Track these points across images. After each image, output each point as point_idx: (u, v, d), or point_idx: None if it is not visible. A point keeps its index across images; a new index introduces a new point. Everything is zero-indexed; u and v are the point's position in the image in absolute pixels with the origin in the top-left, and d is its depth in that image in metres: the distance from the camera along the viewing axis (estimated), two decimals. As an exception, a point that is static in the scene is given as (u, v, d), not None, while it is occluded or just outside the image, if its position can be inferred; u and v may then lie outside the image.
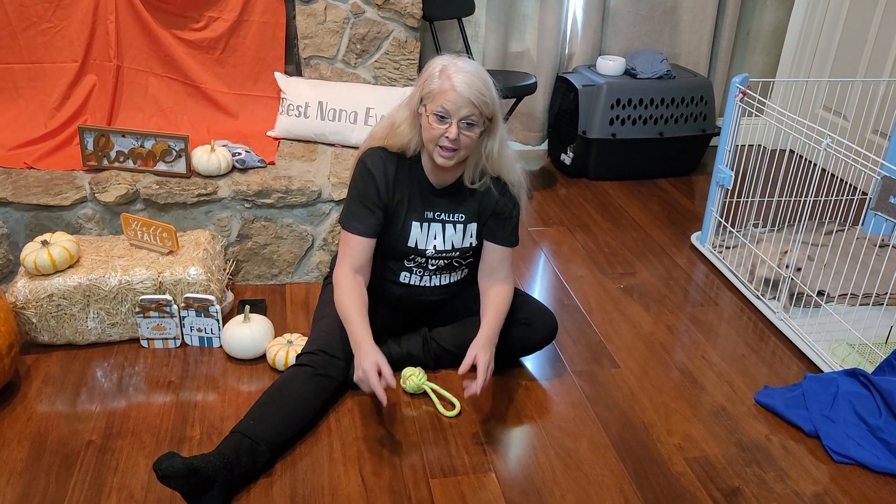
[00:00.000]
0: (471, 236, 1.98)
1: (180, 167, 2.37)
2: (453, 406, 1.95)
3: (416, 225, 1.93)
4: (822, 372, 2.13)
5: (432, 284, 2.04)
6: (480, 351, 1.82)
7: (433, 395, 1.97)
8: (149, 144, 2.35)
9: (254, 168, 2.48)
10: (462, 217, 1.95)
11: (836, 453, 1.83)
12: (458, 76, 1.70)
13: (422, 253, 1.96)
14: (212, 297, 2.08)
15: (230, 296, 2.32)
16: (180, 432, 1.82)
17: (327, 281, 2.15)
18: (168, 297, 2.06)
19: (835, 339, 2.24)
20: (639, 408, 2.00)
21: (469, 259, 2.05)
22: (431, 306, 2.09)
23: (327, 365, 1.88)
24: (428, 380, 2.00)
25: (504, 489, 1.70)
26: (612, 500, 1.69)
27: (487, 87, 1.74)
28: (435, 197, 1.92)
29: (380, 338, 2.05)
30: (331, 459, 1.77)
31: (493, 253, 1.97)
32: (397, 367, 2.06)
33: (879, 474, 1.80)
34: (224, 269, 2.32)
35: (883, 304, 2.36)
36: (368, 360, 1.73)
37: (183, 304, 2.08)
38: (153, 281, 2.08)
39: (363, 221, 1.88)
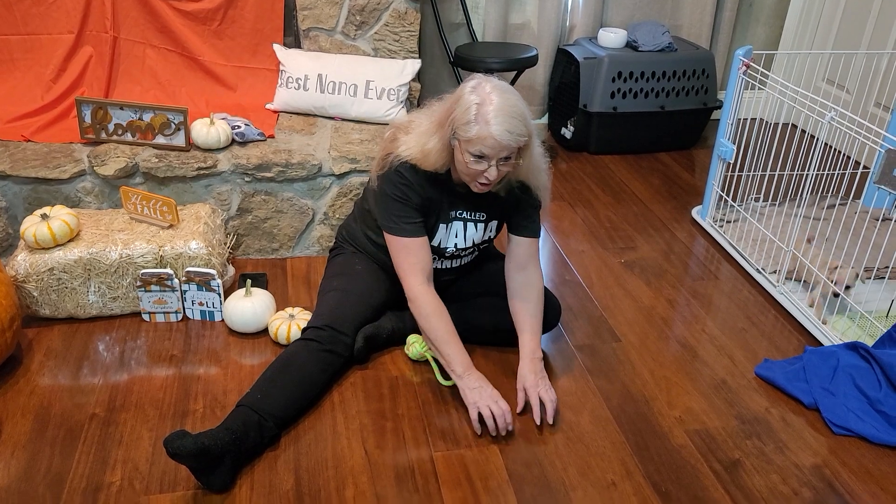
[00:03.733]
0: (491, 231, 1.99)
1: (179, 140, 2.35)
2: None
3: (441, 227, 1.93)
4: (822, 345, 2.14)
5: (444, 267, 2.04)
6: (527, 383, 1.83)
7: (434, 364, 1.98)
8: (147, 117, 2.33)
9: (253, 141, 2.46)
10: (483, 216, 1.94)
11: (835, 426, 1.85)
12: (496, 121, 1.63)
13: (442, 252, 1.97)
14: (213, 271, 2.07)
15: (231, 270, 2.32)
16: (183, 405, 1.83)
17: (334, 253, 2.15)
18: (169, 270, 2.05)
19: (835, 313, 2.25)
20: (639, 381, 2.01)
21: (485, 245, 2.05)
22: (439, 286, 2.09)
23: (334, 341, 1.88)
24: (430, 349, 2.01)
25: (507, 462, 1.72)
26: (614, 471, 1.71)
27: (524, 123, 1.68)
28: (458, 197, 1.90)
29: (382, 311, 2.06)
30: (334, 433, 1.77)
31: (520, 247, 1.95)
32: (399, 342, 2.07)
33: (878, 446, 1.82)
34: (225, 244, 2.32)
35: (884, 278, 2.36)
36: (499, 400, 1.77)
37: (184, 278, 2.08)
38: (154, 255, 2.07)
39: (414, 222, 1.85)
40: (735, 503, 1.64)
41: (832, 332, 2.18)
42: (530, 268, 1.96)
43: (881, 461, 1.78)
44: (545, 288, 2.08)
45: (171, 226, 2.16)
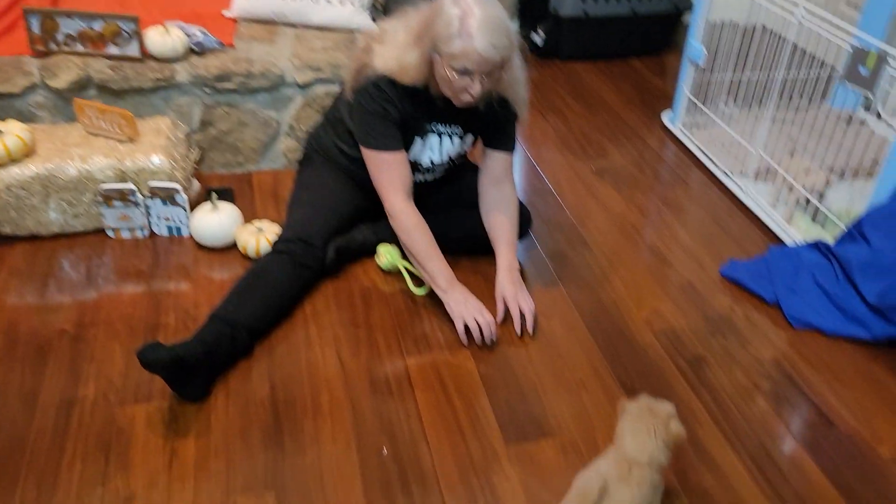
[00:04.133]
0: (467, 145, 1.96)
1: (133, 50, 2.25)
2: (423, 283, 1.97)
3: (418, 140, 1.88)
4: (785, 245, 2.18)
5: (417, 182, 2.01)
6: (507, 294, 1.84)
7: (405, 273, 1.98)
8: (98, 26, 2.22)
9: (212, 51, 2.37)
10: (460, 130, 1.91)
11: (795, 320, 1.91)
12: (480, 35, 1.57)
13: (417, 167, 1.93)
14: (177, 186, 2.03)
15: (196, 184, 2.27)
16: (154, 320, 1.82)
17: (303, 164, 2.11)
18: (131, 185, 2.00)
19: (796, 212, 2.28)
20: (609, 286, 2.04)
21: (459, 159, 2.02)
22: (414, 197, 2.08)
23: (305, 254, 1.87)
24: (401, 259, 2.01)
25: (479, 366, 1.75)
26: (583, 373, 1.75)
27: (508, 36, 1.62)
28: (435, 111, 1.85)
29: (353, 223, 2.05)
30: (308, 343, 1.79)
31: (496, 161, 1.93)
32: (370, 253, 2.06)
33: (835, 339, 1.88)
34: (188, 157, 2.26)
35: (844, 177, 2.39)
36: (484, 311, 1.78)
37: (148, 193, 2.04)
38: (114, 170, 2.02)
39: (394, 137, 1.80)
40: (699, 397, 1.70)
41: (796, 233, 2.21)
42: (505, 182, 1.95)
43: (837, 353, 1.84)
44: (518, 200, 2.08)
45: (129, 140, 2.09)
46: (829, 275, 1.95)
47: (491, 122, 1.90)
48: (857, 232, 1.95)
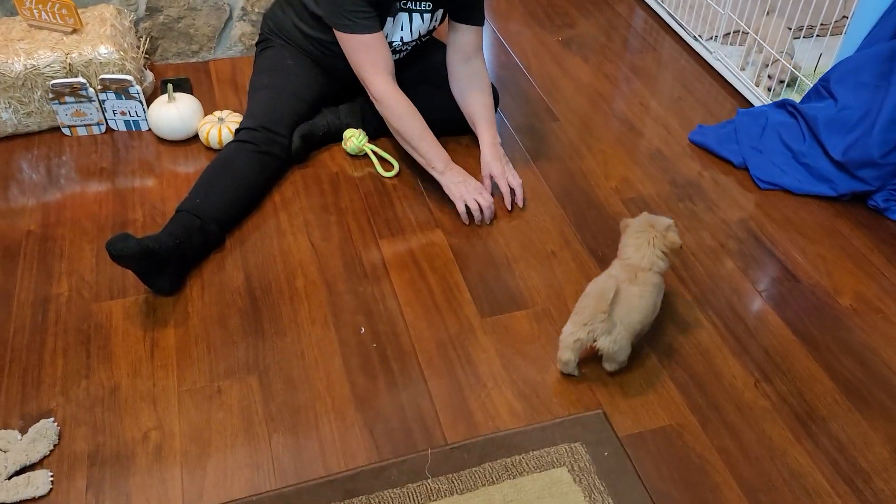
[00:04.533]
0: (436, 20, 1.89)
1: (66, -67, 2.10)
2: (392, 166, 1.95)
3: (388, 20, 1.80)
4: (753, 107, 2.18)
5: None
6: (494, 171, 1.83)
7: (373, 157, 1.97)
8: None
9: (151, -70, 2.22)
10: (429, 6, 1.83)
11: (762, 181, 1.93)
12: None
13: (388, 45, 1.85)
14: (129, 77, 1.95)
15: (150, 76, 2.19)
16: (122, 216, 1.80)
17: (261, 46, 2.03)
18: (81, 79, 1.93)
19: (764, 76, 2.26)
20: (578, 157, 2.04)
21: (427, 37, 1.95)
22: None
23: (270, 142, 1.83)
24: (368, 143, 1.98)
25: (451, 242, 1.77)
26: (553, 242, 1.78)
27: None
28: None
29: (317, 108, 2.00)
30: (279, 230, 1.79)
31: (465, 36, 1.87)
32: (336, 139, 2.03)
33: (800, 197, 1.92)
34: (138, 47, 2.17)
35: (813, 35, 2.36)
36: (483, 191, 1.78)
37: (100, 87, 1.96)
38: (61, 63, 1.93)
39: (372, 18, 1.73)
40: (666, 259, 1.73)
41: (763, 94, 2.20)
42: (476, 57, 1.91)
43: (801, 210, 1.88)
44: (483, 80, 2.03)
45: (74, 30, 1.99)
46: (796, 133, 1.95)
47: None
48: (823, 88, 1.94)
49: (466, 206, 1.78)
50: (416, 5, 1.83)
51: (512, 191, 1.84)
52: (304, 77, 1.95)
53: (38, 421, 1.36)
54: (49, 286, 1.62)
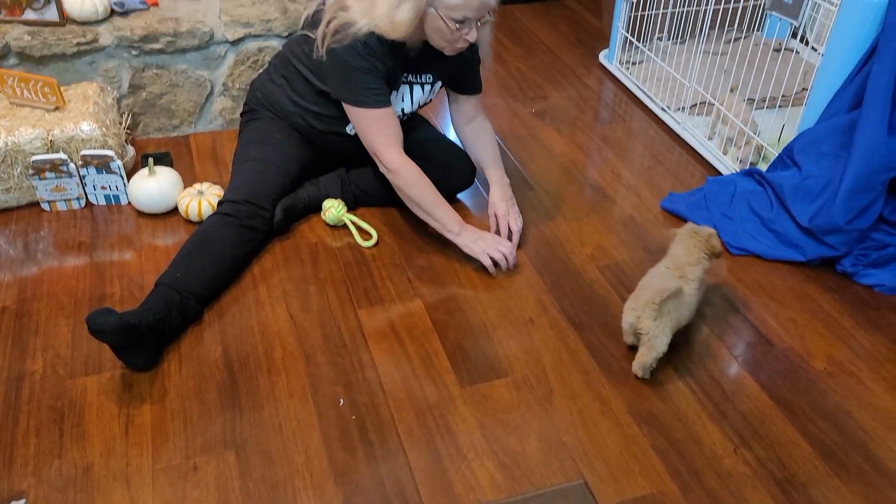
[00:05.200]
0: (433, 92, 1.98)
1: (52, 14, 2.16)
2: (370, 236, 1.98)
3: (392, 93, 1.87)
4: (721, 175, 2.24)
5: None
6: (499, 211, 1.94)
7: (352, 227, 1.99)
8: (11, -9, 2.12)
9: (135, 11, 2.29)
10: (430, 78, 1.91)
11: (733, 247, 1.97)
12: None
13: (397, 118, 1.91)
14: (111, 153, 1.98)
15: (131, 150, 2.22)
16: (99, 290, 1.80)
17: (248, 117, 2.05)
18: (62, 155, 1.95)
19: (731, 142, 2.33)
20: (553, 225, 2.08)
21: (420, 108, 2.04)
22: (362, 151, 2.06)
23: (252, 216, 1.85)
24: (347, 213, 2.01)
25: (429, 311, 1.78)
26: (531, 309, 1.79)
27: None
28: (409, 62, 1.84)
29: (301, 181, 2.03)
30: (258, 302, 1.79)
31: (468, 103, 2.02)
32: (316, 210, 2.06)
33: (770, 262, 1.96)
34: (120, 123, 2.20)
35: (776, 106, 2.45)
36: (500, 241, 1.86)
37: (80, 162, 1.98)
38: (42, 140, 1.96)
39: (384, 93, 1.80)
40: (643, 326, 1.76)
41: (731, 162, 2.27)
42: (478, 116, 2.05)
43: (772, 274, 1.92)
44: (459, 148, 2.09)
45: (56, 108, 2.03)
46: (764, 201, 2.01)
47: (460, 68, 1.95)
48: (787, 158, 2.01)
49: (492, 259, 1.84)
50: (417, 78, 1.90)
51: (509, 231, 1.95)
52: (291, 151, 1.98)
53: (9, 503, 1.32)
54: (23, 363, 1.60)
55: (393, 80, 1.85)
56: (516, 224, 1.95)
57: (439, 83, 1.96)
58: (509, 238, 1.93)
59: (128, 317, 1.53)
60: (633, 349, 1.63)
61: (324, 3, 1.80)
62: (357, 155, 2.07)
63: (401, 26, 1.69)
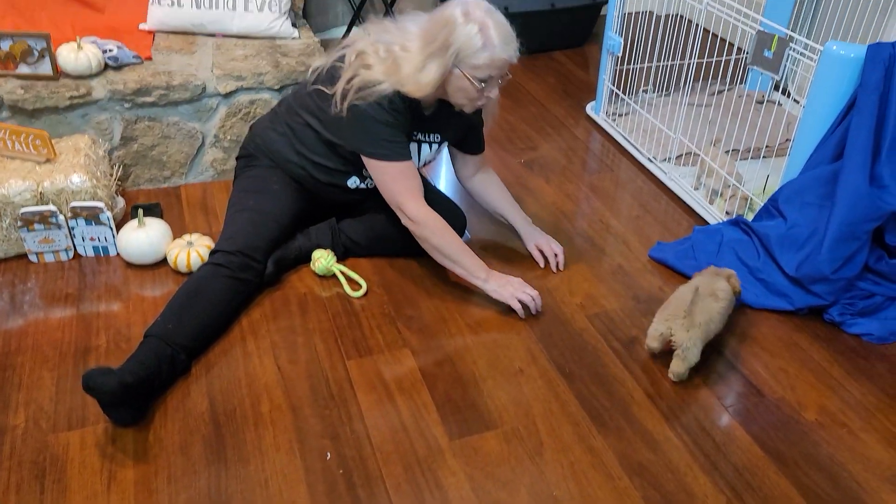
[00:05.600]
0: (438, 151, 2.04)
1: (45, 68, 2.19)
2: (360, 286, 1.98)
3: None
4: (708, 224, 2.26)
5: (371, 187, 2.03)
6: (540, 241, 2.08)
7: (341, 277, 1.99)
8: (6, 45, 2.15)
9: (129, 65, 2.32)
10: (438, 137, 1.96)
11: (721, 296, 1.98)
12: (503, 43, 1.69)
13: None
14: (100, 204, 1.98)
15: (121, 202, 2.22)
16: (85, 342, 1.78)
17: (245, 162, 2.04)
18: (52, 207, 1.95)
19: (716, 193, 2.36)
20: (542, 274, 2.08)
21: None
22: (355, 202, 2.08)
23: (245, 268, 1.85)
24: (336, 264, 2.01)
25: (419, 362, 1.77)
26: (521, 359, 1.78)
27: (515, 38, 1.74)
28: (422, 120, 1.90)
29: (293, 233, 2.03)
30: (245, 353, 1.77)
31: (473, 161, 2.12)
32: (306, 260, 2.06)
33: (758, 311, 1.97)
34: (110, 175, 2.21)
35: (760, 156, 2.49)
36: (526, 285, 1.91)
37: (70, 214, 1.98)
38: (32, 192, 1.96)
39: (407, 147, 1.85)
40: (633, 375, 1.75)
41: (717, 212, 2.30)
42: (483, 169, 2.14)
43: (761, 324, 1.93)
44: (450, 199, 2.12)
45: (47, 160, 2.04)
46: (751, 250, 2.03)
47: (466, 129, 2.02)
48: (773, 208, 2.03)
49: (521, 303, 1.88)
50: (426, 137, 1.95)
51: (555, 255, 2.08)
52: (288, 202, 1.98)
53: (-18, 564, 1.28)
54: (6, 417, 1.58)
55: (409, 135, 1.90)
56: (557, 245, 2.08)
57: (445, 143, 2.02)
58: (555, 261, 2.07)
59: (126, 377, 1.51)
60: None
61: (340, 60, 1.84)
62: (349, 206, 2.09)
63: (426, 86, 1.73)
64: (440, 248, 1.86)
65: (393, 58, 1.75)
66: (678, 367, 1.69)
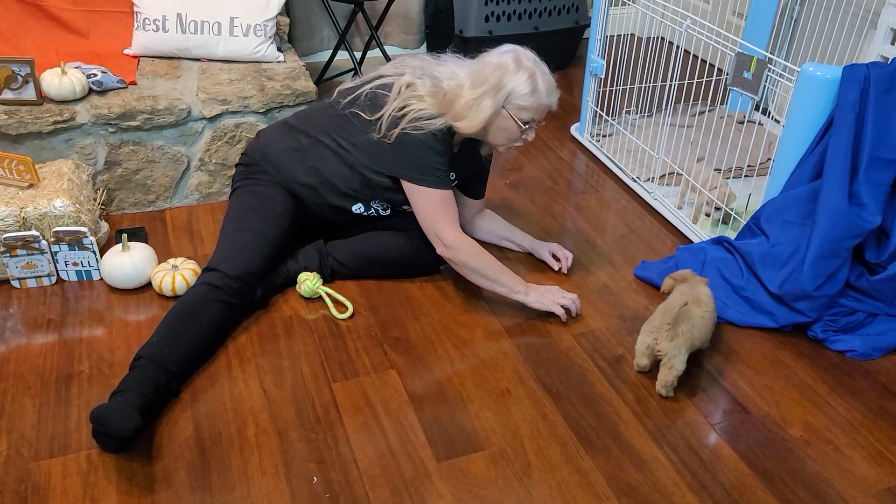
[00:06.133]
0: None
1: (29, 94, 2.19)
2: (346, 308, 1.97)
3: None
4: (692, 243, 2.28)
5: (370, 215, 2.06)
6: (553, 247, 2.17)
7: (327, 299, 1.99)
8: (-10, 71, 2.15)
9: (113, 89, 2.32)
10: (454, 176, 1.99)
11: (706, 315, 1.99)
12: (548, 91, 1.85)
13: (406, 202, 1.97)
14: (84, 229, 1.98)
15: (105, 226, 2.21)
16: (67, 369, 1.76)
17: (251, 171, 2.01)
18: (35, 232, 1.94)
19: (702, 213, 2.39)
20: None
21: None
22: (345, 225, 2.08)
23: (240, 293, 1.85)
24: (323, 286, 2.01)
25: (405, 384, 1.76)
26: (507, 379, 1.78)
27: None
28: (449, 157, 1.94)
29: (284, 257, 2.03)
30: (231, 378, 1.76)
31: (475, 204, 2.22)
32: (293, 283, 2.05)
33: (742, 328, 1.98)
34: (94, 199, 2.21)
35: (742, 176, 2.52)
36: (564, 291, 1.98)
37: (53, 239, 1.97)
38: (15, 217, 1.95)
39: (450, 177, 1.93)
40: (619, 394, 1.75)
41: (701, 231, 2.32)
42: (482, 210, 2.25)
43: (746, 341, 1.94)
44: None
45: (30, 185, 2.03)
46: (734, 268, 2.04)
47: (474, 173, 2.12)
48: (755, 226, 2.05)
49: (563, 308, 1.96)
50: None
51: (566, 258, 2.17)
52: (287, 226, 1.98)
53: None
54: (-15, 445, 1.56)
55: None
56: (569, 252, 2.18)
57: (456, 182, 2.06)
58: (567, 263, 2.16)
59: (137, 414, 1.52)
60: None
61: (382, 88, 1.90)
62: (339, 227, 2.10)
63: (478, 123, 1.83)
64: (479, 271, 1.92)
65: (444, 93, 1.85)
66: (665, 375, 1.71)
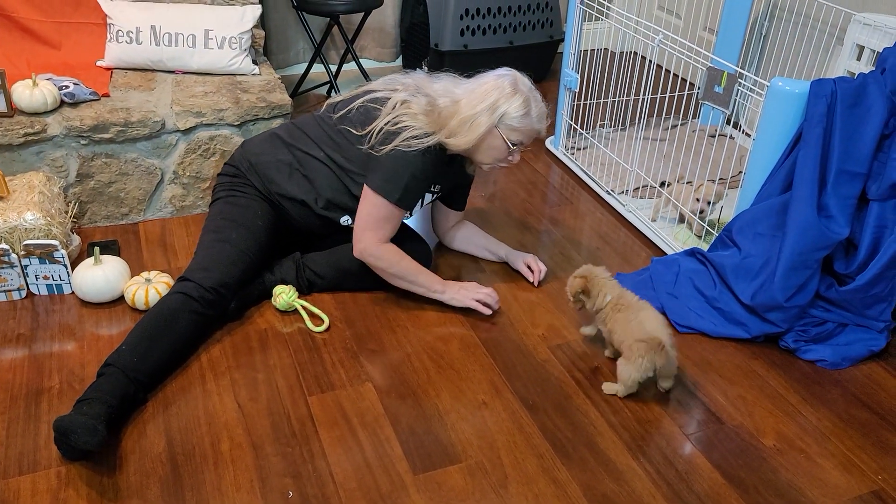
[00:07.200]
0: (432, 201, 2.15)
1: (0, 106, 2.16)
2: (322, 321, 1.96)
3: None
4: (666, 255, 2.31)
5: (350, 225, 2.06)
6: (528, 259, 2.19)
7: (303, 312, 1.98)
8: (-41, 82, 2.12)
9: (86, 101, 2.30)
10: (439, 188, 2.05)
11: (680, 325, 2.01)
12: (539, 116, 1.92)
13: None
14: (55, 242, 1.95)
15: (76, 239, 2.18)
16: (37, 384, 1.73)
17: (235, 183, 2.01)
18: (4, 246, 1.91)
19: (676, 225, 2.42)
20: (505, 307, 2.09)
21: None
22: (323, 235, 2.08)
23: (215, 305, 1.84)
24: (298, 299, 2.00)
25: (381, 396, 1.75)
26: (484, 392, 1.78)
27: None
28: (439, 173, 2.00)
29: (259, 270, 2.02)
30: (204, 391, 1.74)
31: (455, 215, 2.28)
32: (268, 296, 2.04)
33: (716, 339, 2.00)
34: (66, 212, 2.18)
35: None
36: (480, 287, 2.04)
37: (23, 252, 1.94)
38: (-16, 230, 1.92)
39: (416, 203, 1.99)
40: (595, 405, 1.76)
41: (675, 243, 2.35)
42: (462, 221, 2.30)
43: (719, 352, 1.96)
44: (418, 236, 2.17)
45: (0, 198, 2.00)
46: (707, 280, 2.07)
47: (457, 186, 2.17)
48: (727, 238, 2.08)
49: (481, 303, 2.00)
50: (430, 187, 2.04)
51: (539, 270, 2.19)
52: (266, 241, 1.98)
53: None
54: (-49, 464, 1.52)
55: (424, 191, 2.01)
56: (542, 265, 2.19)
57: (440, 194, 2.11)
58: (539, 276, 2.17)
59: (102, 427, 1.49)
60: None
61: (374, 102, 1.92)
62: (316, 237, 2.09)
63: (470, 141, 1.88)
64: (398, 275, 1.98)
65: (439, 111, 1.88)
66: (666, 384, 1.79)
